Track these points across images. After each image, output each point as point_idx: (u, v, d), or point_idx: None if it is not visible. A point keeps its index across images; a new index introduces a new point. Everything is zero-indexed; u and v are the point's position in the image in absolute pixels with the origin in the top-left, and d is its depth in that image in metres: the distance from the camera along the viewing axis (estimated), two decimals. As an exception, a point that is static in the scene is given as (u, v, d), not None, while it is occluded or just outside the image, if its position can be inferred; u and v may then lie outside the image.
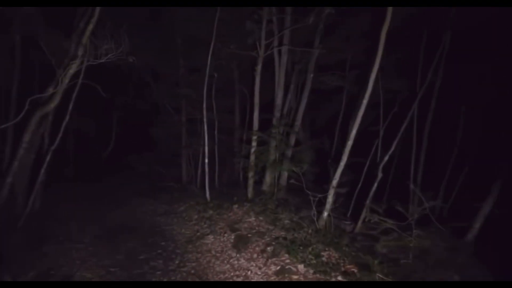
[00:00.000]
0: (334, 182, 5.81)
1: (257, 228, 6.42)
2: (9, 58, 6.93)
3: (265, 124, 8.65)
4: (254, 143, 8.20)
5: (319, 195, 5.96)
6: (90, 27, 5.13)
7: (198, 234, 6.46)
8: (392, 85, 8.15)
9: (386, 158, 6.49)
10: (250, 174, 8.24)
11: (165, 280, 4.65)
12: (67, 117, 6.44)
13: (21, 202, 6.71)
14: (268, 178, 9.15)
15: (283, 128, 8.84)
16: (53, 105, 5.72)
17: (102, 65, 6.57)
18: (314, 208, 6.08)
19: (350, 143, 5.59)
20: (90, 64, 6.18)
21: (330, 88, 10.06)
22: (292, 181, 6.15)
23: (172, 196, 9.12)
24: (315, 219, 6.10)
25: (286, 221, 6.70)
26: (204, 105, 8.23)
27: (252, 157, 8.20)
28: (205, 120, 8.28)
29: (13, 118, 7.60)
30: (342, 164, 5.66)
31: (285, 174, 9.09)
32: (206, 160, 8.41)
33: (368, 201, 6.21)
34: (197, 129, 10.84)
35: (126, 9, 6.11)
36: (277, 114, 8.99)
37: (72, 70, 5.29)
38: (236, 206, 7.62)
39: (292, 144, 8.65)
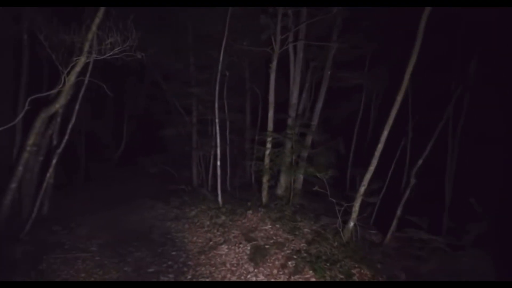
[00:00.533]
0: (362, 189, 5.19)
1: (274, 237, 5.87)
2: (17, 58, 6.62)
3: (279, 125, 8.09)
4: (268, 145, 7.65)
5: (345, 204, 5.36)
6: (97, 20, 4.70)
7: (211, 243, 5.95)
8: (424, 82, 7.38)
9: (420, 162, 5.83)
10: (265, 178, 7.69)
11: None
12: (73, 119, 6.05)
13: (28, 208, 6.37)
14: (283, 182, 8.60)
15: (298, 128, 8.26)
16: (58, 105, 5.32)
17: (111, 64, 6.17)
18: (339, 218, 5.48)
19: (381, 146, 4.98)
20: (99, 63, 5.82)
21: (347, 86, 9.42)
22: (316, 188, 5.56)
23: (183, 200, 8.66)
24: (341, 230, 5.50)
25: (306, 230, 6.12)
26: (216, 105, 7.73)
27: (267, 160, 7.65)
28: (217, 120, 7.78)
29: (21, 119, 7.38)
30: (372, 169, 5.05)
31: (300, 178, 8.51)
32: (218, 163, 7.91)
33: (399, 211, 5.56)
34: (207, 130, 10.39)
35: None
36: (292, 113, 8.43)
37: (77, 68, 4.87)
38: (250, 212, 7.09)
39: (309, 146, 8.04)
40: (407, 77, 4.78)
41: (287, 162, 7.49)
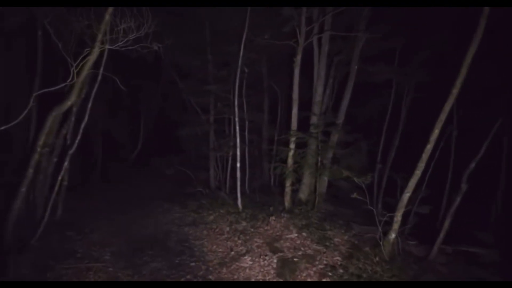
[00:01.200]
0: (406, 197, 4.45)
1: (302, 248, 5.20)
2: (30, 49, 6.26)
3: (301, 124, 7.40)
4: (292, 145, 6.98)
5: (388, 214, 4.62)
6: (110, 9, 4.21)
7: (233, 253, 5.35)
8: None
9: (473, 165, 5.01)
10: (289, 181, 7.03)
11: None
12: (86, 117, 5.62)
13: (41, 212, 5.99)
14: (306, 185, 7.90)
15: (322, 127, 7.55)
16: (70, 102, 4.88)
17: (127, 57, 5.69)
18: (380, 228, 4.74)
19: (430, 147, 4.23)
20: (113, 58, 5.37)
21: (375, 82, 8.61)
22: (355, 195, 4.85)
23: (200, 203, 8.12)
24: (381, 243, 4.75)
25: (337, 240, 5.42)
26: (236, 102, 7.15)
27: (291, 161, 6.99)
28: (236, 119, 7.20)
29: (36, 118, 7.06)
30: (418, 173, 4.30)
31: (325, 181, 7.78)
32: (238, 164, 7.32)
33: (448, 221, 4.77)
34: (224, 129, 9.84)
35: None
36: (316, 111, 7.72)
37: (90, 61, 4.39)
38: (273, 218, 6.46)
39: (335, 146, 7.32)
40: (464, 68, 4.02)
41: (312, 164, 6.79)
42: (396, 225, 4.57)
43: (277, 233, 5.96)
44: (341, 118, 7.98)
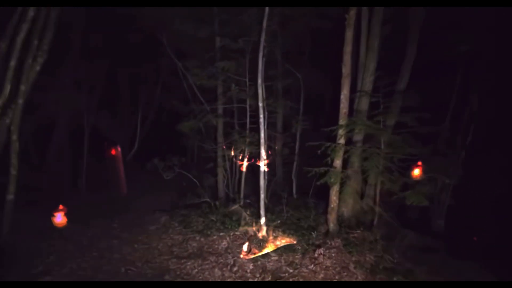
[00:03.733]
0: None
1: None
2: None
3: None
4: (341, 140, 4.66)
5: None
6: None
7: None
8: None
9: None
10: (335, 192, 4.70)
11: None
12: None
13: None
14: (350, 195, 5.56)
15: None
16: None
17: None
18: None
19: None
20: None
21: (440, 60, 6.30)
22: None
23: (208, 220, 5.80)
24: None
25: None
26: (260, 80, 4.83)
27: (339, 163, 4.65)
28: (261, 104, 4.87)
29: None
30: None
31: (376, 191, 5.44)
32: (263, 168, 5.00)
33: None
34: (233, 122, 7.50)
35: None
36: (366, 90, 5.38)
37: None
38: (321, 251, 4.11)
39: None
40: None
41: (376, 166, 4.44)
42: None
43: (332, 277, 3.63)
44: (397, 105, 5.64)
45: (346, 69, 4.59)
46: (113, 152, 9.78)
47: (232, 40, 6.05)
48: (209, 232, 5.30)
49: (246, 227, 5.10)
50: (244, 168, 6.69)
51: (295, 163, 8.53)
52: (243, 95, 6.22)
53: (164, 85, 11.99)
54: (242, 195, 6.79)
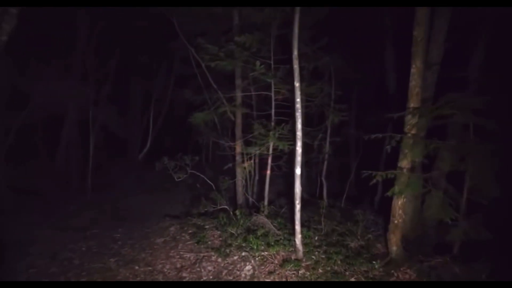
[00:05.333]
0: None
1: None
2: None
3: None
4: (413, 131, 3.28)
5: None
6: None
7: None
8: None
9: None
10: (401, 202, 3.33)
11: None
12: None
13: None
14: (411, 207, 4.14)
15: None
16: None
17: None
18: None
19: None
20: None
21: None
22: None
23: (226, 234, 4.57)
24: None
25: None
26: (295, 51, 3.54)
27: (407, 162, 3.27)
28: (297, 84, 3.57)
29: None
30: None
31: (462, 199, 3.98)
32: (298, 171, 3.70)
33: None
34: (253, 113, 6.25)
35: None
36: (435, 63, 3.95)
37: None
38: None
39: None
40: None
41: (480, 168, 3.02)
42: None
43: None
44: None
45: (419, 31, 3.19)
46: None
47: (256, 9, 4.77)
48: (228, 251, 4.07)
49: (276, 248, 3.81)
50: (269, 169, 5.41)
51: (325, 162, 7.18)
52: (268, 77, 4.93)
53: (177, 79, 10.97)
54: (266, 202, 5.51)
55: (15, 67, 6.30)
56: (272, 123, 5.26)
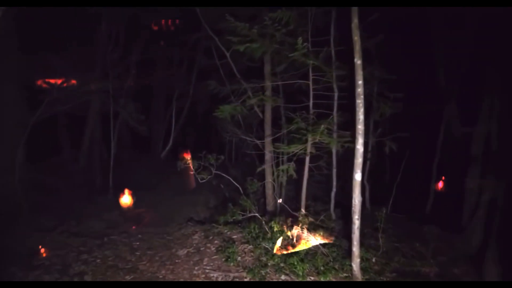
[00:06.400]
0: None
1: None
2: None
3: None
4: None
5: None
6: None
7: None
8: None
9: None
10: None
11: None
12: None
13: None
14: None
15: None
16: None
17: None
18: None
19: None
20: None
21: None
22: None
23: (260, 251, 3.77)
24: None
25: None
26: (355, 19, 2.61)
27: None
28: (359, 62, 2.65)
29: None
30: None
31: None
32: (358, 176, 2.81)
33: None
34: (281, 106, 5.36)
35: None
36: None
37: None
38: None
39: None
40: None
41: None
42: None
43: None
44: None
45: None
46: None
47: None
48: (263, 272, 3.27)
49: (327, 275, 2.94)
50: (306, 171, 4.52)
51: (368, 163, 6.15)
52: (309, 59, 4.01)
53: (198, 74, 10.36)
54: (303, 209, 4.63)
55: (34, 62, 5.96)
56: (310, 115, 4.36)
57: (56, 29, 6.65)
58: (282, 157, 6.18)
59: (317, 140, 3.81)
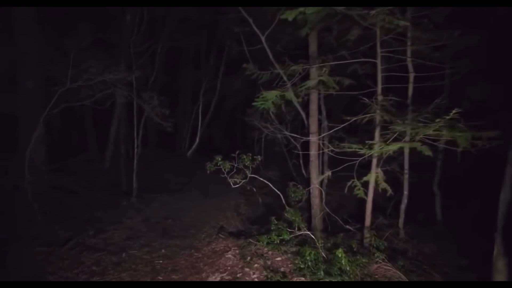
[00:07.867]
0: None
1: None
2: None
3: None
4: None
5: None
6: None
7: None
8: None
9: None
10: None
11: None
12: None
13: None
14: None
15: None
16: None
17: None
18: None
19: None
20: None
21: None
22: None
23: (295, 269, 2.70)
24: None
25: None
26: None
27: None
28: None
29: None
30: None
31: None
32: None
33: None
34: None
35: None
36: None
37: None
38: None
39: None
40: None
41: None
42: None
43: None
44: None
45: None
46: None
47: None
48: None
49: None
50: (373, 177, 3.34)
51: (438, 163, 4.77)
52: (400, 20, 2.83)
53: (226, 68, 9.50)
54: (367, 225, 3.44)
55: (55, 54, 5.41)
56: (378, 101, 3.18)
57: (78, 19, 6.10)
58: (323, 158, 5.09)
59: (419, 137, 2.62)
